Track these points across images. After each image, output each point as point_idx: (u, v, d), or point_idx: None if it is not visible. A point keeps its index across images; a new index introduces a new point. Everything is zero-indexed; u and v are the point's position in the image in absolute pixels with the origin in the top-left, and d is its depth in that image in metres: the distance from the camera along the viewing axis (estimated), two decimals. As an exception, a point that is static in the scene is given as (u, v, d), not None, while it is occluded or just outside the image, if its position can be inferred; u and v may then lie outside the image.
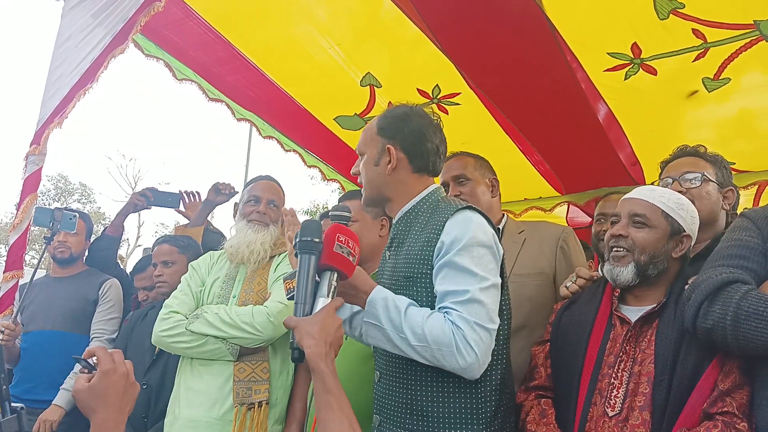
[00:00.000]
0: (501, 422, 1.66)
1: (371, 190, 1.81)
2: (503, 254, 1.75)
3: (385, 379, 1.71)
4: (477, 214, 1.69)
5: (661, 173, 2.21)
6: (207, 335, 2.27)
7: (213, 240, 3.37)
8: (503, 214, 2.63)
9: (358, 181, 1.86)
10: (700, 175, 2.04)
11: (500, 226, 2.52)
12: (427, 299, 1.63)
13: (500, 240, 2.38)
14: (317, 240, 1.43)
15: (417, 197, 1.78)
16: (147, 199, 3.36)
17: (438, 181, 1.91)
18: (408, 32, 3.01)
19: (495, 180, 2.59)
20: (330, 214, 1.62)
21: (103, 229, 3.65)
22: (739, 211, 3.00)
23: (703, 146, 2.17)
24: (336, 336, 1.36)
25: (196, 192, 3.41)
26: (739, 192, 2.87)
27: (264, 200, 2.58)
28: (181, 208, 3.60)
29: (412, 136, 1.77)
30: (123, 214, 3.52)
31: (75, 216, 3.07)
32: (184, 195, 3.39)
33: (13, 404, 1.12)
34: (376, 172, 1.78)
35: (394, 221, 1.83)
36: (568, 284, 2.06)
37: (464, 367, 1.50)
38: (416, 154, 1.77)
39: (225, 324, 2.27)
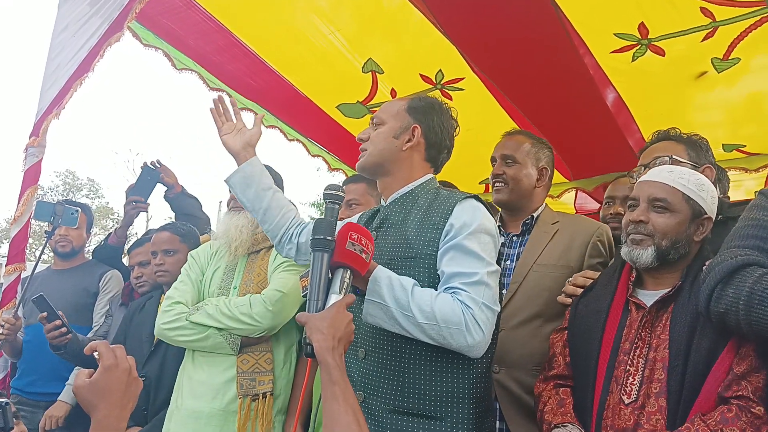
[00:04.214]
0: (487, 404, 1.70)
1: (377, 158, 1.83)
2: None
3: (373, 357, 1.70)
4: (482, 204, 1.74)
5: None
6: (208, 326, 2.25)
7: (189, 204, 3.42)
8: (543, 203, 2.48)
9: (361, 147, 1.87)
10: (668, 158, 1.99)
11: (535, 214, 2.41)
12: (428, 279, 1.65)
13: (532, 228, 2.36)
14: (330, 238, 1.45)
15: (415, 182, 1.83)
16: (142, 202, 3.40)
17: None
18: (410, 17, 2.96)
19: (546, 170, 2.44)
20: (324, 192, 1.59)
21: (109, 231, 3.63)
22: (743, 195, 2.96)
23: (676, 129, 2.10)
24: (345, 331, 1.38)
25: (156, 160, 3.46)
26: (724, 170, 2.82)
27: None
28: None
29: (438, 128, 1.85)
30: (125, 226, 3.55)
31: (77, 211, 3.02)
32: (152, 166, 3.44)
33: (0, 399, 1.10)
34: (392, 143, 1.82)
35: (386, 202, 1.85)
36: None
37: (472, 345, 1.52)
38: (434, 145, 1.85)
39: (224, 316, 2.25)
